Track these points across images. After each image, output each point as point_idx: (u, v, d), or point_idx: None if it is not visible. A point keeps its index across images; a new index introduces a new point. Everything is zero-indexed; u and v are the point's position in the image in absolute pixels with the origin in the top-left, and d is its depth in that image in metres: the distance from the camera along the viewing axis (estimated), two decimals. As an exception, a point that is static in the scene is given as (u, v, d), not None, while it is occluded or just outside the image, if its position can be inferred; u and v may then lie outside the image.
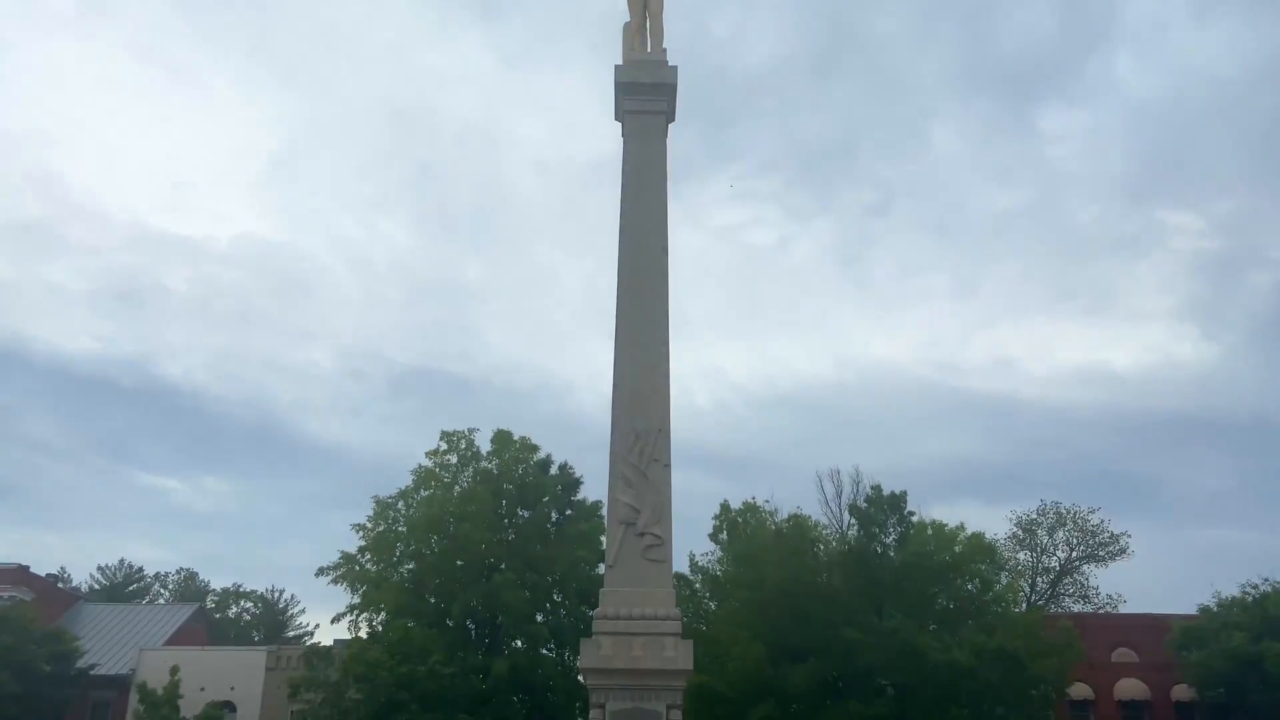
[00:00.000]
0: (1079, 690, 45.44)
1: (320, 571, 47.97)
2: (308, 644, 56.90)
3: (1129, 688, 47.07)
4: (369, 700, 39.92)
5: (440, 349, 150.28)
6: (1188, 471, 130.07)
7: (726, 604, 46.09)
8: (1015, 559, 55.80)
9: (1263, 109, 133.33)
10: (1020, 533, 58.38)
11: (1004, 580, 45.78)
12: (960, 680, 37.60)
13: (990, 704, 38.63)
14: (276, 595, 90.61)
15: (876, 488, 43.93)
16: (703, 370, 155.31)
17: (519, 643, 46.25)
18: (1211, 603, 45.54)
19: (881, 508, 43.35)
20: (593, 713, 10.29)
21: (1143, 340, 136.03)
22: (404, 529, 48.13)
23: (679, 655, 10.40)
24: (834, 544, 45.31)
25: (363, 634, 45.50)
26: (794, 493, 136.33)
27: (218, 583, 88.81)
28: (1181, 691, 45.99)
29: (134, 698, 44.50)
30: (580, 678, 41.75)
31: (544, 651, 46.86)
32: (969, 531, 42.70)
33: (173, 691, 42.90)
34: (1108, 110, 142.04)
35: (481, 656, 44.66)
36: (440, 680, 40.02)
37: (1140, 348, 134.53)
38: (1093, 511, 58.92)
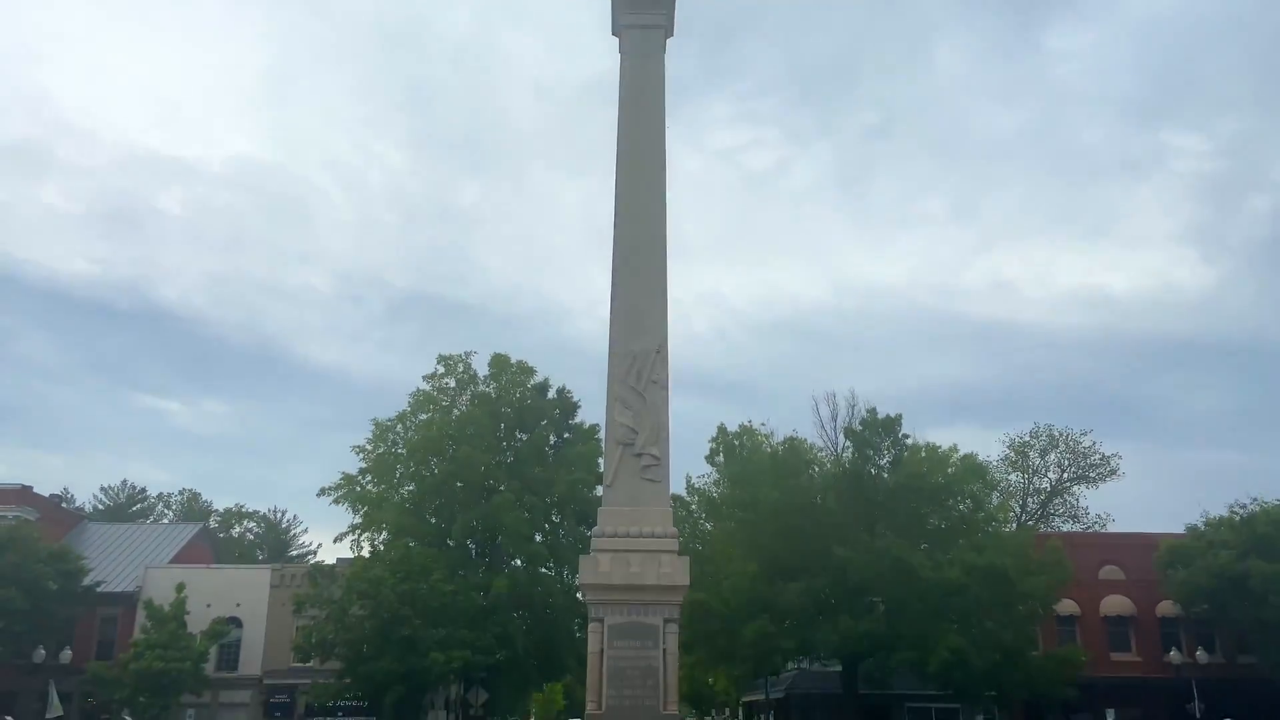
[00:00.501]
0: (1066, 606, 46.41)
1: (322, 492, 48.64)
2: (311, 562, 57.84)
3: (1115, 604, 48.12)
4: (373, 616, 40.81)
5: (438, 273, 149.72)
6: (1181, 395, 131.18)
7: (722, 524, 46.89)
8: (1007, 480, 56.59)
9: (1272, 26, 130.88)
10: (1012, 454, 59.15)
11: (995, 500, 46.43)
12: (950, 597, 38.43)
13: (979, 619, 39.56)
14: (279, 516, 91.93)
15: (872, 411, 44.28)
16: (701, 295, 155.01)
17: (519, 562, 47.09)
18: (1199, 522, 46.29)
19: (876, 430, 43.72)
20: (591, 626, 10.57)
21: (1142, 264, 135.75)
22: (403, 451, 48.61)
23: (676, 571, 10.64)
24: (829, 466, 45.83)
25: (365, 553, 46.30)
26: (790, 416, 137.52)
27: (220, 503, 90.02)
28: (1166, 608, 47.00)
29: (141, 614, 45.40)
30: (580, 594, 42.71)
31: (543, 570, 47.75)
32: (962, 453, 43.22)
33: (180, 608, 43.81)
34: (1115, 27, 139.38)
35: (482, 574, 45.53)
36: (442, 597, 40.89)
37: (1139, 272, 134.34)
38: (1085, 434, 59.74)
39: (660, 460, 11.31)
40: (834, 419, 46.60)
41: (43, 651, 42.29)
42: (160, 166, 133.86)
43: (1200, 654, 43.75)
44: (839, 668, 43.54)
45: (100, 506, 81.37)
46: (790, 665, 50.37)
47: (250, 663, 49.10)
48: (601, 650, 10.35)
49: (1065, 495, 59.06)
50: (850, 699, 42.55)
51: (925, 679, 40.62)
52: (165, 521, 76.24)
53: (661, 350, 11.75)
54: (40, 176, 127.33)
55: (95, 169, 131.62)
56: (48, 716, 35.55)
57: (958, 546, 40.73)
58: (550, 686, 77.99)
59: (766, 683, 54.24)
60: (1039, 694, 41.03)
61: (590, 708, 10.27)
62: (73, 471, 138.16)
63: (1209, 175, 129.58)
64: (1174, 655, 43.18)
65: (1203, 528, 45.51)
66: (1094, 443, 59.57)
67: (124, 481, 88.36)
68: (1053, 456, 58.88)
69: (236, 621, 48.56)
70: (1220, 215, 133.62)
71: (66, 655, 42.66)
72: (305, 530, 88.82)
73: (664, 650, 10.43)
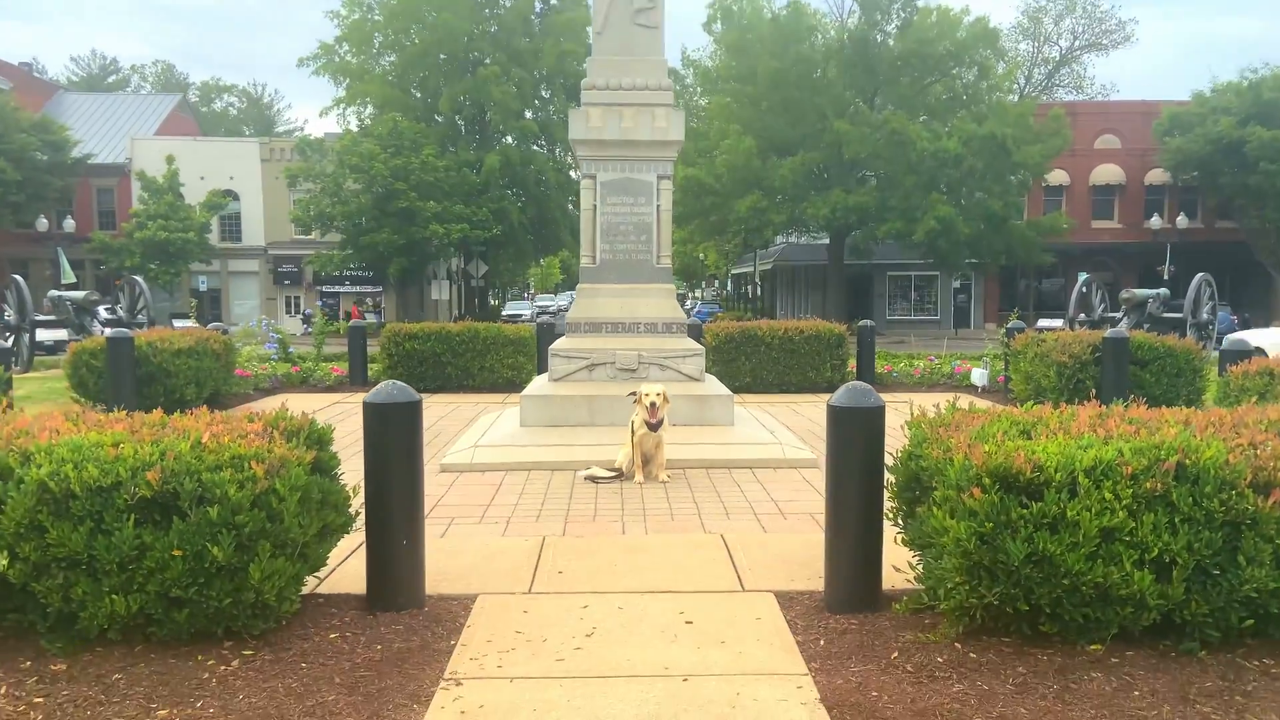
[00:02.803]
0: (1056, 176, 46.69)
1: (301, 62, 46.84)
2: (300, 136, 57.09)
3: (1105, 173, 48.34)
4: (367, 190, 41.04)
5: None
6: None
7: (718, 99, 45.42)
8: (1016, 50, 54.28)
9: None
10: (1026, 21, 56.19)
11: (1001, 69, 44.68)
12: (944, 168, 38.45)
13: (970, 190, 39.94)
14: (260, 90, 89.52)
15: (884, -31, 41.05)
16: None
17: (509, 139, 46.49)
18: (1206, 89, 44.90)
19: (886, -9, 40.94)
20: (584, 183, 10.36)
21: None
22: (380, 18, 45.86)
23: (670, 126, 10.15)
24: (833, 33, 43.47)
25: (352, 128, 45.52)
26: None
27: (196, 76, 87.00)
28: (1156, 176, 47.26)
29: (136, 185, 45.51)
30: (571, 159, 42.64)
31: (535, 148, 47.31)
32: (973, 17, 40.83)
33: (173, 179, 43.90)
34: None
35: (473, 152, 45.11)
36: (434, 172, 40.86)
37: None
38: (1106, -3, 56.51)
39: (655, 4, 10.32)
40: (843, -21, 43.39)
41: (45, 222, 42.95)
42: None
43: (1181, 219, 44.71)
44: (826, 240, 44.78)
45: (74, 79, 78.63)
46: (779, 239, 51.86)
47: (253, 234, 50.28)
48: (595, 207, 10.22)
49: (1073, 64, 57.11)
50: (835, 269, 44.30)
51: (909, 250, 41.96)
52: (144, 93, 73.96)
53: None
54: None
55: None
56: (63, 282, 36.86)
57: (958, 117, 39.99)
58: (547, 260, 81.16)
59: (755, 255, 56.23)
60: (1018, 260, 42.63)
61: (585, 261, 10.42)
62: (40, 43, 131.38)
63: None
64: (1154, 221, 44.18)
65: (1209, 94, 44.16)
66: (1112, 5, 56.54)
67: (94, 51, 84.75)
68: (1068, 23, 56.06)
69: (233, 194, 48.89)
70: None
71: (70, 225, 43.36)
72: (289, 106, 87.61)
73: (657, 207, 10.30)
